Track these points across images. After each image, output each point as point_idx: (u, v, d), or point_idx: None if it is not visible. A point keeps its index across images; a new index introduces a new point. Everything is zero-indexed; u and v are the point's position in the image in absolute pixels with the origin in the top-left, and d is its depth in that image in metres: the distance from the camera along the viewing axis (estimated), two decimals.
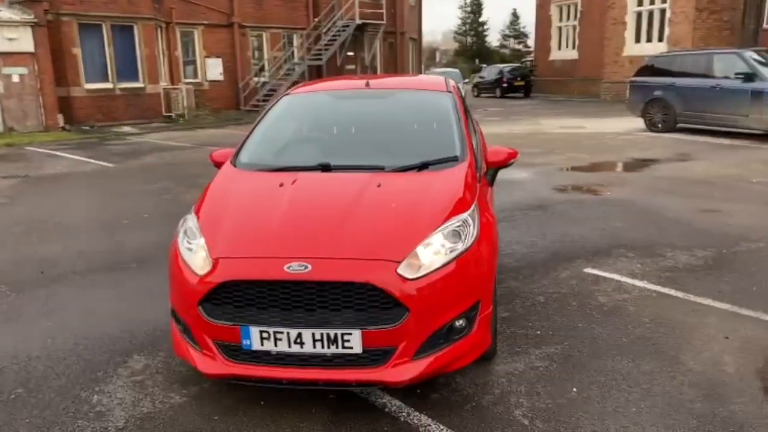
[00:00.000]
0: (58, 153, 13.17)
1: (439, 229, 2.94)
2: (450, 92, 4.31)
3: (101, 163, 11.67)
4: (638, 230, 5.97)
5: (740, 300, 4.19)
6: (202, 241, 3.02)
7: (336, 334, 2.71)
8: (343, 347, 2.72)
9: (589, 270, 4.86)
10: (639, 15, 22.41)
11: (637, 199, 7.34)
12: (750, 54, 12.62)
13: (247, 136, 4.05)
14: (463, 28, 51.19)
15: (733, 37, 20.89)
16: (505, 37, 49.66)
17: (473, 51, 48.04)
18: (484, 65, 40.81)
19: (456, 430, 2.79)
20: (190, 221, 3.21)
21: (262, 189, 3.40)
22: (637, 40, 22.63)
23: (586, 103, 24.03)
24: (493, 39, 51.25)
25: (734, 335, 3.68)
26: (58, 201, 8.28)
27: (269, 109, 4.29)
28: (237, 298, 2.79)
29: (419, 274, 2.76)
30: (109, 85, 18.66)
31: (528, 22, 47.71)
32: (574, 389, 3.11)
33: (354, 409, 2.99)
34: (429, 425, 2.83)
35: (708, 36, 20.71)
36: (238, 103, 22.93)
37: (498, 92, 30.01)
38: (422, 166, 3.51)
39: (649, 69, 14.39)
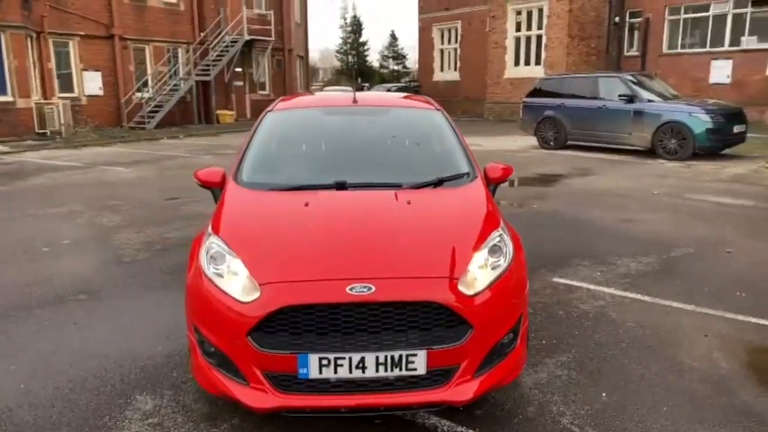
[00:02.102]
0: None
1: (484, 245, 2.96)
2: (439, 110, 4.37)
3: None
4: (581, 241, 6.35)
5: (699, 301, 4.59)
6: (236, 264, 2.81)
7: (401, 356, 2.63)
8: (407, 369, 2.65)
9: (557, 279, 5.10)
10: (518, 40, 23.95)
11: (565, 211, 7.81)
12: (629, 77, 13.95)
13: (243, 155, 3.83)
14: (345, 47, 51.86)
15: (600, 62, 22.99)
16: (384, 57, 50.98)
17: (355, 70, 48.78)
18: (366, 84, 41.52)
19: None
20: (216, 244, 2.97)
21: (288, 209, 3.23)
22: (517, 63, 24.15)
23: (473, 122, 25.18)
24: (373, 59, 52.42)
25: (711, 333, 4.02)
26: None
27: (257, 127, 4.09)
28: (294, 325, 2.62)
29: (476, 290, 2.76)
30: None
31: (406, 44, 49.34)
32: (604, 394, 3.24)
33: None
34: None
35: (579, 60, 22.58)
36: (120, 119, 21.52)
37: None
38: (438, 183, 3.52)
39: (539, 90, 15.43)
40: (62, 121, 18.54)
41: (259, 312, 2.62)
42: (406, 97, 4.98)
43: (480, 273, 2.83)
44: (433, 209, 3.27)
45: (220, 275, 2.85)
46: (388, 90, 30.50)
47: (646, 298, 4.66)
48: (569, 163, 12.34)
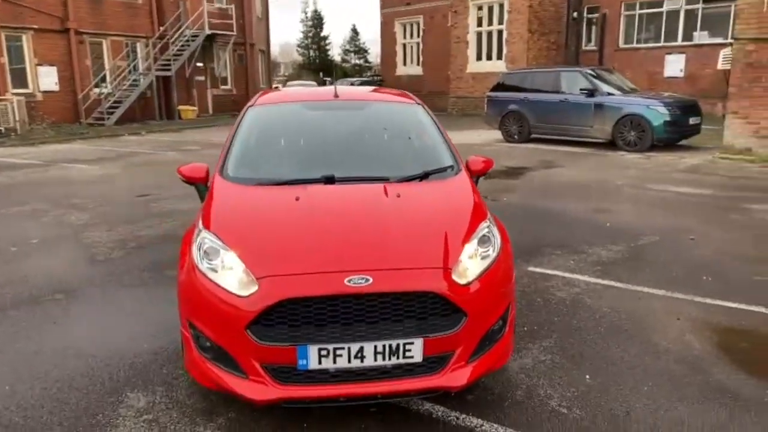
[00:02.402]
0: None
1: (473, 235, 3.05)
2: (419, 104, 4.44)
3: None
4: (553, 230, 6.52)
5: (669, 286, 4.79)
6: (231, 258, 2.83)
7: (398, 345, 2.70)
8: (404, 357, 2.72)
9: (532, 269, 5.24)
10: (479, 35, 24.20)
11: (534, 203, 7.99)
12: (589, 71, 14.30)
13: (228, 150, 3.82)
14: (306, 41, 51.50)
15: (559, 57, 23.44)
16: (346, 51, 50.85)
17: (317, 64, 48.51)
18: (328, 79, 41.39)
19: (511, 427, 2.90)
20: (208, 239, 2.98)
21: (279, 203, 3.25)
22: (479, 57, 24.40)
23: (437, 116, 25.27)
24: (334, 53, 52.22)
25: (682, 316, 4.21)
26: None
27: (240, 122, 4.08)
28: (293, 317, 2.66)
29: (468, 280, 2.85)
30: None
31: (368, 38, 49.31)
32: (587, 377, 3.38)
33: (401, 419, 2.99)
34: (483, 425, 2.92)
35: (539, 55, 22.96)
36: (78, 115, 20.96)
37: None
38: (424, 176, 3.60)
39: (503, 85, 15.66)
40: (17, 118, 17.98)
41: (257, 305, 2.65)
42: (386, 92, 5.04)
43: (471, 263, 2.92)
44: (422, 202, 3.35)
45: (214, 270, 2.86)
46: (352, 84, 30.48)
47: (619, 285, 4.84)
48: (534, 156, 12.58)
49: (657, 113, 12.58)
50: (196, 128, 20.97)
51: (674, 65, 20.99)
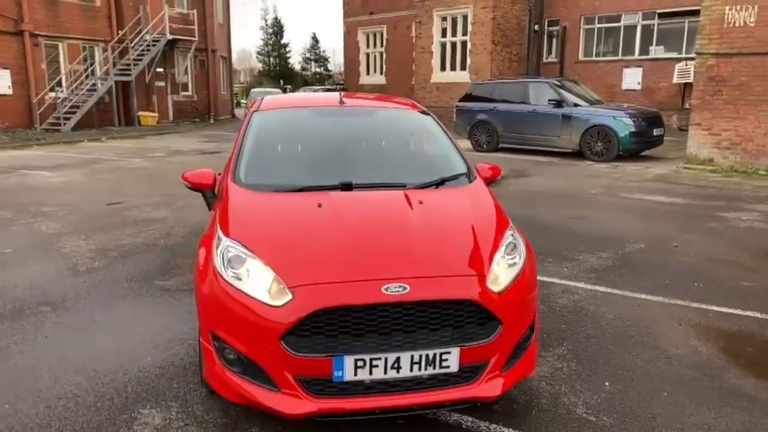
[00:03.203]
0: None
1: (501, 243, 3.03)
2: (425, 111, 4.41)
3: None
4: (539, 239, 6.52)
5: (664, 292, 4.88)
6: (259, 267, 2.73)
7: (435, 355, 2.64)
8: (440, 367, 2.67)
9: None
10: (444, 45, 24.45)
11: (514, 212, 7.94)
12: (556, 83, 14.60)
13: (238, 155, 3.70)
14: (266, 49, 51.02)
15: (521, 68, 23.88)
16: (306, 59, 50.63)
17: (277, 72, 48.11)
18: (289, 86, 41.12)
19: None
20: (232, 247, 2.87)
21: (301, 210, 3.16)
22: (443, 68, 24.63)
23: None
24: (294, 61, 51.91)
25: (684, 322, 4.29)
26: None
27: (247, 127, 3.96)
28: (329, 327, 2.58)
29: (501, 288, 2.82)
30: None
31: (328, 47, 49.24)
32: (606, 383, 3.39)
33: (430, 430, 2.93)
34: None
35: (502, 66, 23.33)
36: (33, 120, 20.18)
37: None
38: (440, 183, 3.57)
39: (471, 95, 15.84)
40: None
41: (292, 316, 2.56)
42: (390, 99, 4.99)
43: (501, 271, 2.90)
44: (446, 209, 3.31)
45: (239, 278, 2.76)
46: (315, 92, 30.31)
47: (617, 291, 4.91)
48: (505, 165, 12.63)
49: (623, 124, 12.93)
50: (158, 135, 20.47)
51: (632, 78, 21.65)
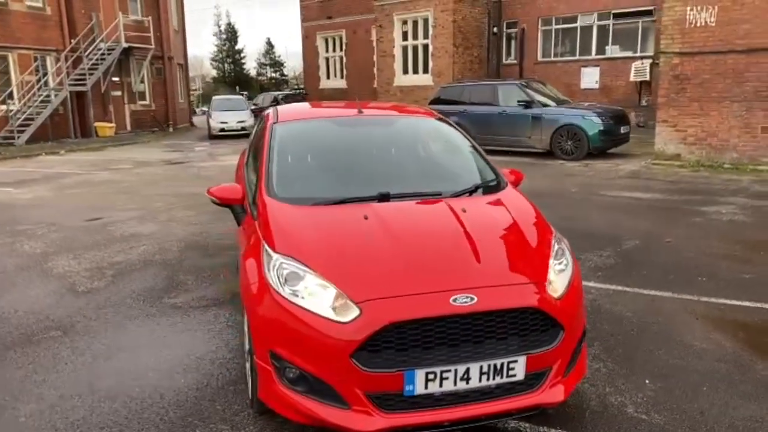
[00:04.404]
0: None
1: (551, 249, 3.05)
2: (443, 119, 4.41)
3: None
4: None
5: (673, 288, 5.01)
6: (319, 282, 2.68)
7: (502, 364, 2.65)
8: (508, 376, 2.67)
9: None
10: (405, 49, 24.57)
11: None
12: (524, 84, 14.84)
13: (268, 169, 3.60)
14: (220, 55, 50.24)
15: (482, 70, 24.21)
16: (261, 65, 50.09)
17: (232, 78, 47.44)
18: (245, 93, 40.66)
19: None
20: (287, 264, 2.80)
21: (348, 223, 3.11)
22: (405, 71, 24.75)
23: None
24: (250, 67, 51.30)
25: (700, 316, 4.41)
26: None
27: (271, 139, 3.86)
28: (400, 342, 2.54)
29: (559, 293, 2.84)
30: None
31: (283, 51, 48.84)
32: (647, 381, 3.45)
33: None
34: None
35: (464, 68, 23.60)
36: None
37: None
38: (473, 190, 3.57)
39: (440, 99, 15.94)
40: None
41: (363, 332, 2.52)
42: (406, 108, 4.97)
43: (555, 277, 2.92)
44: (489, 216, 3.32)
45: (296, 295, 2.70)
46: (275, 98, 30.07)
47: (627, 289, 5.01)
48: None
49: (592, 123, 13.24)
50: (118, 146, 19.90)
51: (590, 77, 22.20)
